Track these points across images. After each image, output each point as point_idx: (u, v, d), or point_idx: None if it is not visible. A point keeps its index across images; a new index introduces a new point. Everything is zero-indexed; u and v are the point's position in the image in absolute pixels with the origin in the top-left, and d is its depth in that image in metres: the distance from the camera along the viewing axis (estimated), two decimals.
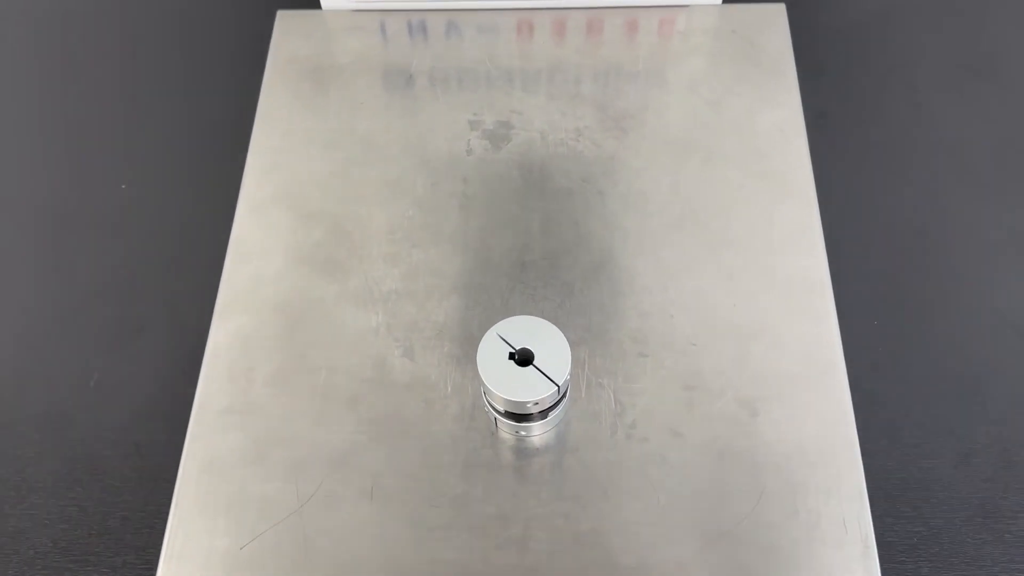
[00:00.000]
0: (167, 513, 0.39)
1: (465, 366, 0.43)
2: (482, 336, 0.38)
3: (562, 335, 0.38)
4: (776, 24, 0.55)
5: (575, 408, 0.41)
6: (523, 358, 0.38)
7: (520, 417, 0.39)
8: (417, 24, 0.55)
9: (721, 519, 0.38)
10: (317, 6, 0.56)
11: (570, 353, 0.38)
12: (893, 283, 0.51)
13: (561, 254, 0.46)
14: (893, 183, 0.55)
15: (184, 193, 0.57)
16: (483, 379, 0.37)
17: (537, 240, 0.46)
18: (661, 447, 0.40)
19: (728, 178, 0.48)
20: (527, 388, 0.37)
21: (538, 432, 0.41)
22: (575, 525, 0.38)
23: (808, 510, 0.38)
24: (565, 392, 0.39)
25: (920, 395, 0.47)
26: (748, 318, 0.43)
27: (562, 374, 0.37)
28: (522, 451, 0.40)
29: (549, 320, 0.39)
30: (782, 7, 0.55)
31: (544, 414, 0.40)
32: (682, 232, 0.46)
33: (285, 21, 0.56)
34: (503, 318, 0.38)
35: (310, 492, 0.39)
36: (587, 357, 0.43)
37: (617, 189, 0.48)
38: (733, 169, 0.48)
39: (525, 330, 0.38)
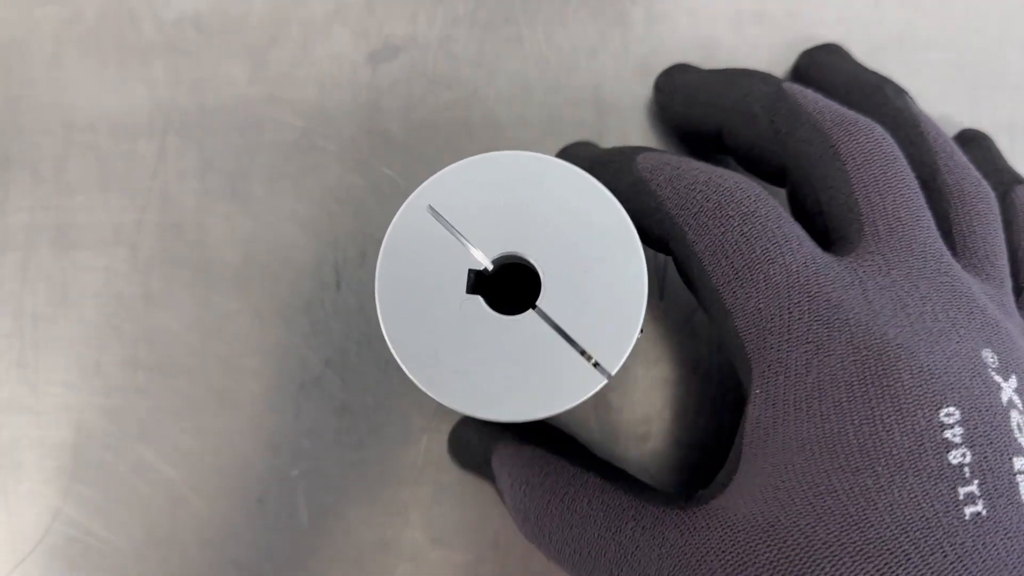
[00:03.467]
0: None
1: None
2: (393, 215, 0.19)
3: (613, 200, 0.18)
4: None
5: None
6: (507, 285, 0.19)
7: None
8: None
9: None
10: None
11: (644, 265, 0.18)
12: None
13: None
14: None
15: None
16: (393, 347, 0.19)
17: None
18: None
19: None
20: (518, 383, 0.18)
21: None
22: None
23: None
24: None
25: None
26: None
27: (622, 335, 0.17)
28: None
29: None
30: None
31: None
32: None
33: None
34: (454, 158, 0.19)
35: None
36: None
37: None
38: None
39: (507, 194, 0.18)
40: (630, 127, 0.29)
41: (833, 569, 0.17)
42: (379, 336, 0.29)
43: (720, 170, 0.21)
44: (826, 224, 0.21)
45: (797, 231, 0.20)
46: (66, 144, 0.30)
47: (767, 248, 0.19)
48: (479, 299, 0.18)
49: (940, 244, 0.21)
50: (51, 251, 0.30)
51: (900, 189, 0.21)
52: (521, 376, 0.18)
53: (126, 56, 0.31)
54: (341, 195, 0.29)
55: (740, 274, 0.19)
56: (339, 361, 0.29)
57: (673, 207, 0.20)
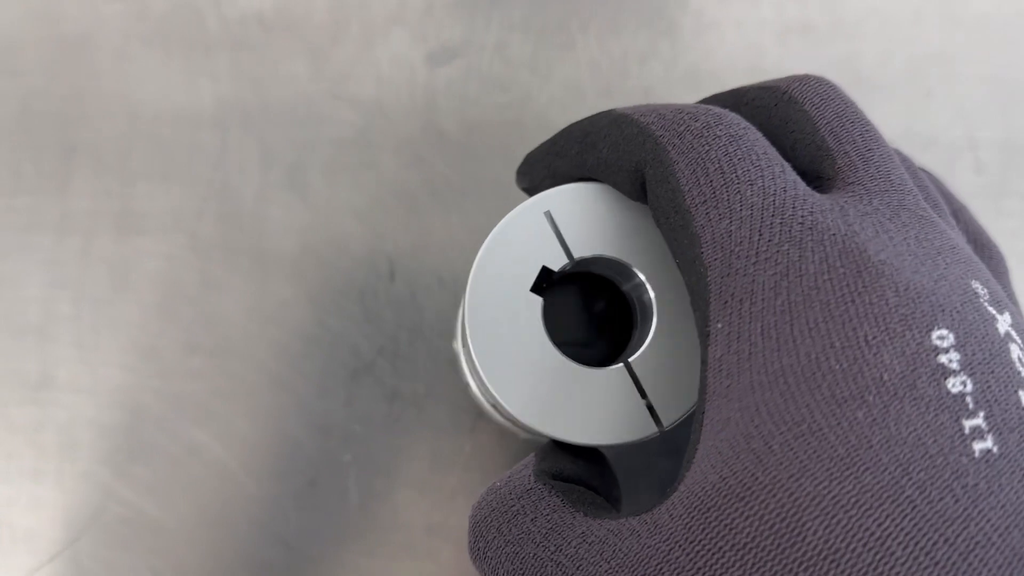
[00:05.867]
0: None
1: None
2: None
3: None
4: None
5: None
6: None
7: None
8: None
9: None
10: None
11: None
12: None
13: None
14: None
15: None
16: (471, 336, 0.19)
17: None
18: None
19: None
20: (571, 405, 0.19)
21: None
22: None
23: None
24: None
25: None
26: None
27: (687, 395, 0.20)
28: None
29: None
30: None
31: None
32: None
33: None
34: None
35: None
36: None
37: None
38: None
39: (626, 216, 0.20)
40: None
41: (826, 531, 0.14)
42: (431, 326, 0.30)
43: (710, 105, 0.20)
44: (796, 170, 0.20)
45: (781, 161, 0.19)
46: (130, 134, 0.31)
47: (748, 171, 0.18)
48: (538, 300, 0.19)
49: (911, 182, 0.19)
50: (112, 237, 0.31)
51: (864, 125, 0.20)
52: (578, 401, 0.19)
53: (191, 51, 0.32)
54: (396, 190, 0.30)
55: (717, 193, 0.18)
56: (391, 349, 0.29)
57: (657, 128, 0.19)
